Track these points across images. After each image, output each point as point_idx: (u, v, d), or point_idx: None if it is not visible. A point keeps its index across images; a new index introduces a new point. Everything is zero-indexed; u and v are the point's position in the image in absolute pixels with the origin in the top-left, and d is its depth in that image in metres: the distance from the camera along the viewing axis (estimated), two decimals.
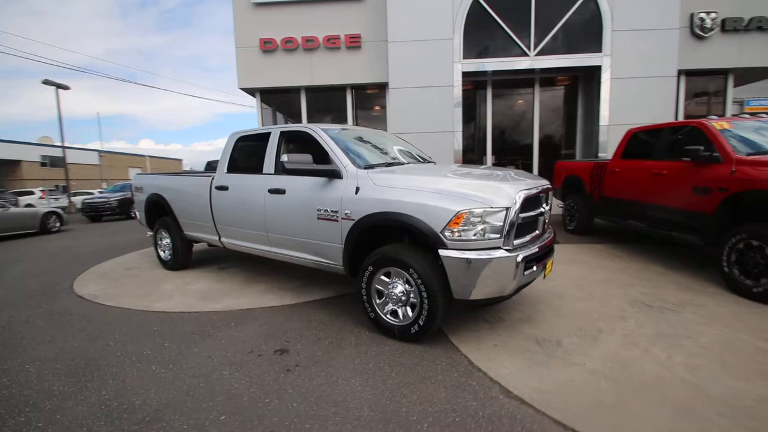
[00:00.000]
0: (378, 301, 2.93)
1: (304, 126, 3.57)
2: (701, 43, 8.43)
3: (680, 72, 8.42)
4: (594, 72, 8.33)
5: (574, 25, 8.16)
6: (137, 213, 5.51)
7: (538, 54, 8.23)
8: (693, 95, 9.29)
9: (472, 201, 2.52)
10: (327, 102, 9.51)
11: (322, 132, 3.40)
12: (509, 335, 2.87)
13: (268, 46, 8.74)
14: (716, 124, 4.18)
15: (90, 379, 2.44)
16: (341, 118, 9.39)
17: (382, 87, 9.06)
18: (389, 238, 3.03)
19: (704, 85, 9.32)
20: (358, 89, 9.24)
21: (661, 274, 4.19)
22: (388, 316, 2.89)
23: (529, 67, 8.30)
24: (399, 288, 2.79)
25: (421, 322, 2.69)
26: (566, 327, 2.97)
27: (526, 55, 8.24)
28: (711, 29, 8.34)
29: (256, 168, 3.83)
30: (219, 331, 3.13)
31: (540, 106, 9.16)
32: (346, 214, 2.99)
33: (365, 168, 3.13)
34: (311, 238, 3.30)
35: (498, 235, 2.52)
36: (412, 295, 2.74)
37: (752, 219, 3.57)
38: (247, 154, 4.04)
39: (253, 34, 8.76)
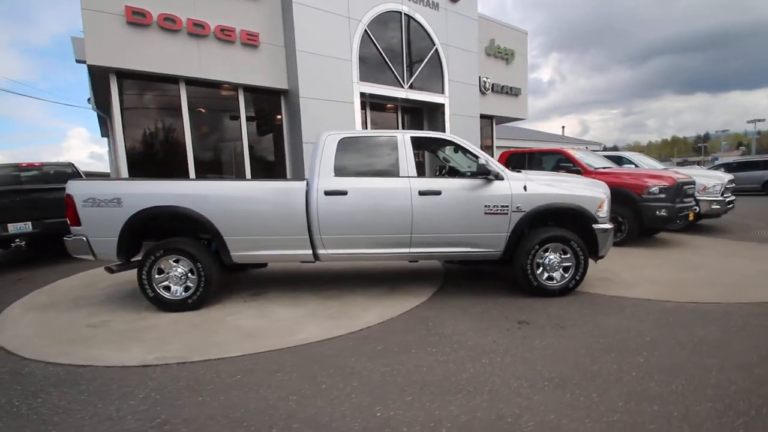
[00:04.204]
0: (537, 271, 3.86)
1: (446, 135, 3.93)
2: (484, 97, 12.78)
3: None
4: (440, 107, 11.12)
5: (430, 71, 10.66)
6: (88, 238, 3.57)
7: (410, 88, 10.23)
8: None
9: (601, 192, 3.96)
10: (211, 101, 8.14)
11: (466, 142, 3.92)
12: (595, 280, 4.40)
13: (138, 19, 6.73)
14: (571, 151, 7.25)
15: (472, 393, 2.29)
16: (231, 120, 8.28)
17: (278, 93, 8.69)
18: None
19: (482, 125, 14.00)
20: (252, 92, 8.45)
21: None
22: (546, 281, 3.89)
23: (404, 97, 10.18)
24: (556, 258, 3.85)
25: (578, 278, 3.87)
26: (610, 269, 4.78)
27: (402, 87, 10.08)
28: (488, 89, 12.83)
29: (383, 171, 3.79)
30: (437, 330, 3.17)
31: (402, 127, 11.22)
32: (517, 207, 3.75)
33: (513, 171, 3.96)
34: (475, 232, 3.77)
35: (606, 214, 4.06)
36: (565, 261, 3.88)
37: None
38: (363, 157, 3.82)
39: None
